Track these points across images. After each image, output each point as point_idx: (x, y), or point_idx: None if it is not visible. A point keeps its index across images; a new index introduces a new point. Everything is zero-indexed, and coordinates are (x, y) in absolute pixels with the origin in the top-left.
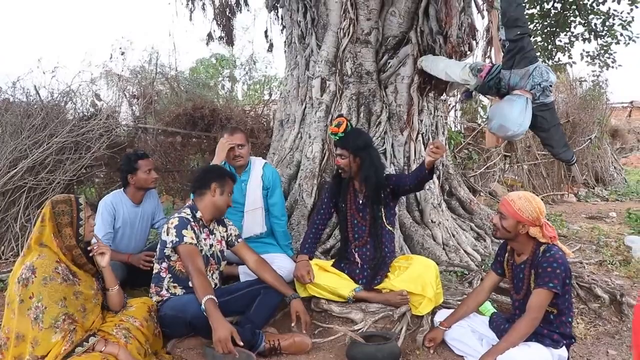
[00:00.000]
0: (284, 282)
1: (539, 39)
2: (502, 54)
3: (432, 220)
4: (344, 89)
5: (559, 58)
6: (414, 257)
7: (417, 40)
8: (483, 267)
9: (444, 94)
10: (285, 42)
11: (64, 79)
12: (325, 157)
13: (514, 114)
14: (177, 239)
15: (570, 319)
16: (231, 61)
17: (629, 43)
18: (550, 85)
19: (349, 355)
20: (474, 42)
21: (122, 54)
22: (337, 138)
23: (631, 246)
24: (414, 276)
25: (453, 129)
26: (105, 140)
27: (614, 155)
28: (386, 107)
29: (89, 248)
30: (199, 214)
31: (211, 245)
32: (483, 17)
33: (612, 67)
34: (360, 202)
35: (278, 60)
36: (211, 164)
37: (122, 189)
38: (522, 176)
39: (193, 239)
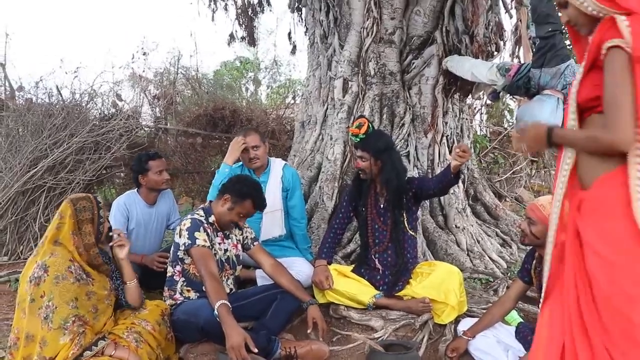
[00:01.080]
0: (301, 287)
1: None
2: (531, 52)
3: (456, 226)
4: (367, 90)
5: None
6: (437, 264)
7: (443, 40)
8: (509, 274)
9: (470, 95)
10: (308, 42)
11: (86, 79)
12: (347, 160)
13: (545, 115)
14: (190, 242)
15: None
16: (255, 64)
17: None
18: None
19: None
20: (501, 42)
21: (144, 54)
22: (358, 140)
23: None
24: (436, 283)
25: (478, 133)
26: (125, 141)
27: None
28: (410, 109)
29: (110, 244)
30: (212, 218)
31: (226, 250)
32: (511, 16)
33: None
34: (382, 206)
35: (302, 63)
36: (222, 163)
37: (135, 190)
38: (549, 181)
39: (206, 241)
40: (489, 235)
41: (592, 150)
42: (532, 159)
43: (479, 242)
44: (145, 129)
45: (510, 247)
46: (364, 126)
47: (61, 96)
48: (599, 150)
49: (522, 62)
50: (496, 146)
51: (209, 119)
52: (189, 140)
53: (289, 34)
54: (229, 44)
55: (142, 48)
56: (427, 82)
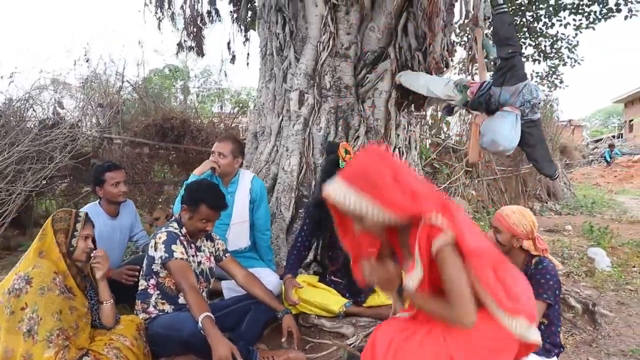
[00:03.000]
0: (274, 297)
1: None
2: (486, 71)
3: None
4: (323, 103)
5: None
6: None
7: (396, 55)
8: None
9: (422, 109)
10: (260, 53)
11: (22, 85)
12: (303, 171)
13: (505, 130)
14: (167, 255)
15: (559, 329)
16: (185, 72)
17: (574, 65)
18: (539, 103)
19: None
20: (449, 60)
21: (77, 61)
22: None
23: (594, 258)
24: None
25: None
26: (70, 150)
27: (563, 171)
28: (364, 121)
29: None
30: (183, 230)
31: (199, 263)
32: (459, 35)
33: (560, 87)
34: None
35: (235, 73)
36: (191, 173)
37: (98, 202)
38: (481, 191)
39: (183, 254)
40: None
41: (440, 318)
42: (467, 169)
43: None
44: (90, 138)
45: None
46: (350, 150)
47: None
48: (448, 322)
49: (479, 79)
50: (435, 157)
51: (158, 129)
52: (135, 150)
53: (228, 43)
54: (177, 54)
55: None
56: (381, 95)
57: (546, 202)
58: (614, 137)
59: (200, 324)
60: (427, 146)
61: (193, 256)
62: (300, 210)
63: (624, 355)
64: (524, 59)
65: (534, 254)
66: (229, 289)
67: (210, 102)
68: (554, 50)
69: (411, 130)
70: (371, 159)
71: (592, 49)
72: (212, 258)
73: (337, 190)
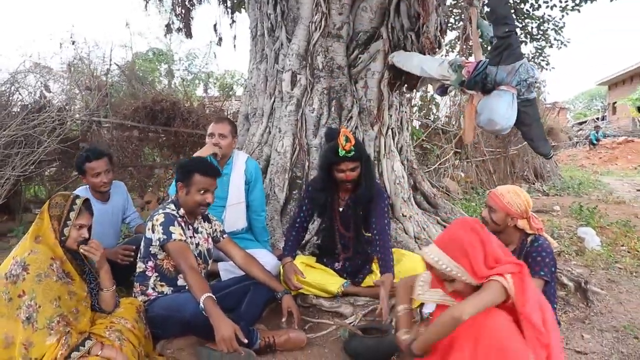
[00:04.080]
0: (273, 278)
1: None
2: (481, 50)
3: (403, 214)
4: (315, 83)
5: None
6: (401, 252)
7: (388, 35)
8: None
9: (414, 89)
10: (250, 34)
11: (7, 68)
12: (296, 152)
13: (502, 109)
14: (165, 237)
15: (554, 306)
16: (169, 56)
17: (561, 47)
18: (535, 82)
19: (348, 349)
20: (442, 40)
21: (62, 44)
22: (350, 154)
23: (584, 237)
24: (404, 270)
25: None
26: (59, 134)
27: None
28: (357, 102)
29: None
30: (181, 211)
31: (197, 244)
32: (450, 16)
33: (547, 69)
34: (341, 210)
35: (220, 56)
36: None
37: (87, 185)
38: (470, 172)
39: (182, 235)
40: (431, 223)
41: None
42: (457, 150)
43: (424, 229)
44: (78, 121)
45: None
46: (351, 137)
47: None
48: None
49: (474, 59)
50: (424, 138)
51: (148, 112)
52: (125, 133)
53: (215, 25)
54: (165, 35)
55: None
56: (373, 76)
57: (533, 184)
58: (597, 119)
59: (202, 304)
60: (417, 127)
61: (191, 237)
62: (294, 192)
63: (617, 331)
64: None
65: (529, 232)
66: (226, 271)
67: (195, 85)
68: (540, 32)
69: (403, 111)
70: (465, 231)
71: (577, 31)
72: (210, 239)
73: (432, 253)
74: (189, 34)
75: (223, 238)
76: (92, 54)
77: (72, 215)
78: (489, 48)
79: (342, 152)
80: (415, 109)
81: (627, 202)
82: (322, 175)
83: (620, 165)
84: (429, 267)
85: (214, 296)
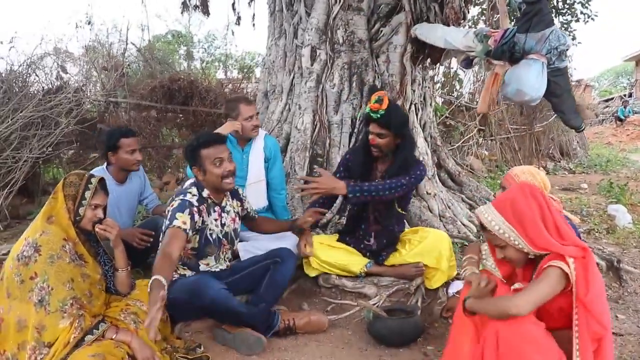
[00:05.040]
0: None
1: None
2: (508, 19)
3: (427, 192)
4: (335, 58)
5: None
6: (425, 230)
7: (410, 7)
8: (481, 237)
9: (438, 63)
10: (268, 10)
11: (23, 50)
12: (317, 129)
13: (531, 79)
14: (168, 222)
15: None
16: (188, 37)
17: (587, 21)
18: (567, 49)
19: (372, 331)
20: (467, 11)
21: (79, 25)
22: (378, 116)
23: (615, 214)
24: (428, 249)
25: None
26: (76, 115)
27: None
28: (378, 77)
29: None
30: (205, 192)
31: (223, 225)
32: None
33: (573, 44)
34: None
35: (239, 37)
36: None
37: (104, 166)
38: (495, 150)
39: (185, 223)
40: (456, 201)
41: (490, 311)
42: (481, 127)
43: (449, 207)
44: (95, 102)
45: None
46: (385, 100)
47: None
48: (495, 314)
49: (500, 28)
50: (448, 115)
51: (165, 91)
52: (142, 113)
53: (233, 4)
54: (182, 13)
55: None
56: (396, 50)
57: (559, 161)
58: (624, 96)
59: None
60: (440, 104)
61: (216, 219)
62: (315, 169)
63: None
64: None
65: None
66: (246, 251)
67: (215, 68)
68: (567, 5)
69: (426, 87)
70: (523, 195)
71: (604, 4)
72: (238, 219)
73: (487, 213)
74: (206, 12)
75: (257, 216)
76: (111, 36)
77: (88, 194)
78: (518, 15)
79: (368, 109)
80: (437, 85)
81: None
82: (363, 138)
83: None
84: (483, 228)
85: (163, 280)
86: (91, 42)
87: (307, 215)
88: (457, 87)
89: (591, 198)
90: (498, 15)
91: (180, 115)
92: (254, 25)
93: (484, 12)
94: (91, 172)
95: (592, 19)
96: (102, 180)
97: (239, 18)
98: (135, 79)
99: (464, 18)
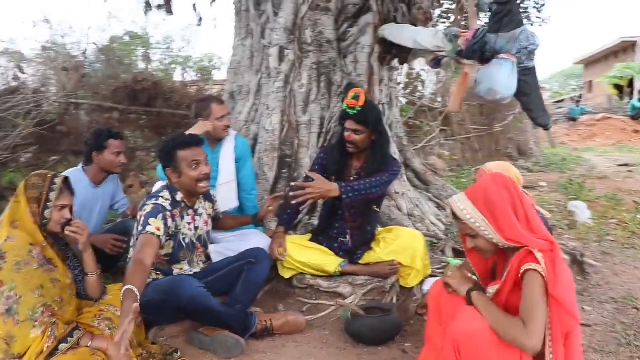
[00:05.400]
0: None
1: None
2: (477, 19)
3: (395, 191)
4: (304, 58)
5: None
6: (400, 229)
7: (378, 8)
8: (449, 235)
9: (406, 63)
10: (234, 10)
11: None
12: (285, 129)
13: (503, 78)
14: (141, 228)
15: None
16: (145, 39)
17: (541, 25)
18: (536, 49)
19: (351, 330)
20: (432, 12)
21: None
22: (355, 112)
23: (575, 211)
24: (403, 247)
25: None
26: (35, 117)
27: (532, 130)
28: (346, 77)
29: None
30: (179, 196)
31: (197, 228)
32: None
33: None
34: (352, 179)
35: (198, 39)
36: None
37: (81, 166)
38: (455, 149)
39: (159, 230)
40: (424, 200)
41: (496, 330)
42: (443, 128)
43: (417, 206)
44: (55, 104)
45: (445, 209)
46: (361, 97)
47: None
48: (503, 337)
49: (470, 28)
50: (411, 116)
51: (129, 92)
52: (104, 115)
53: (194, 5)
54: (145, 13)
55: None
56: (363, 50)
57: (517, 161)
58: (574, 97)
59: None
60: (404, 104)
61: (189, 223)
62: (284, 171)
63: (616, 302)
64: None
65: None
66: (217, 253)
67: (171, 70)
68: (521, 10)
69: (392, 87)
70: (495, 185)
71: (554, 9)
72: (210, 221)
73: (459, 202)
74: (169, 11)
75: (221, 216)
76: (67, 38)
77: (53, 195)
78: (488, 16)
79: (344, 106)
80: (400, 86)
81: (609, 177)
82: (338, 134)
83: (599, 141)
84: (455, 217)
85: (136, 291)
86: (48, 42)
87: (267, 204)
88: (420, 88)
89: (551, 195)
90: (466, 15)
91: (144, 116)
92: (215, 26)
93: (448, 12)
94: (65, 172)
95: (545, 22)
96: (66, 180)
97: (200, 19)
98: (97, 79)
99: (431, 19)
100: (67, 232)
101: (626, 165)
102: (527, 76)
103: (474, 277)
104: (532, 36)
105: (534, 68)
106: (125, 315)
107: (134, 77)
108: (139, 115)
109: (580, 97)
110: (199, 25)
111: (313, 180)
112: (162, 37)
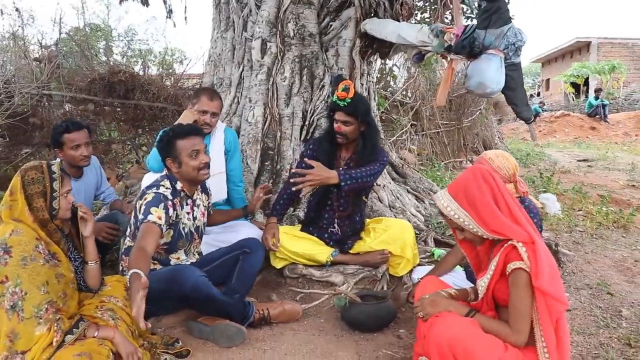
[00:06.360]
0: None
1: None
2: (462, 16)
3: (377, 184)
4: (286, 51)
5: None
6: (389, 219)
7: (360, 2)
8: (430, 226)
9: (387, 57)
10: (213, 2)
11: None
12: (268, 122)
13: (492, 73)
14: (143, 217)
15: None
16: (107, 32)
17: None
18: (523, 45)
19: (347, 317)
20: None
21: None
22: (345, 104)
23: (545, 203)
24: (394, 237)
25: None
26: (6, 109)
27: (496, 125)
28: (328, 71)
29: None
30: (179, 185)
31: (195, 218)
32: None
33: None
34: (341, 170)
35: (160, 32)
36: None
37: (59, 160)
38: (425, 144)
39: (160, 219)
40: (403, 192)
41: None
42: (413, 122)
43: (397, 198)
44: (27, 95)
45: (423, 202)
46: (351, 89)
47: None
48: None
49: (455, 24)
50: (384, 110)
51: (105, 84)
52: (79, 107)
53: None
54: (120, 3)
55: None
56: (345, 44)
57: None
58: (533, 95)
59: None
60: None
61: (189, 213)
62: (267, 163)
63: (591, 288)
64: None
65: (515, 195)
66: (207, 244)
67: (134, 63)
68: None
69: (370, 81)
70: (475, 179)
71: (513, 8)
72: (206, 213)
73: (442, 199)
74: (145, 2)
75: (212, 211)
76: (24, 27)
77: (56, 185)
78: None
79: (335, 98)
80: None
81: (572, 171)
82: (327, 126)
83: (559, 137)
84: (441, 214)
85: (142, 273)
86: (7, 32)
87: (256, 195)
88: (392, 83)
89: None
90: (449, 11)
91: (119, 109)
92: (185, 18)
93: (429, 8)
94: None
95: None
96: (60, 168)
97: (170, 11)
98: (71, 70)
99: (412, 14)
100: (80, 214)
101: (585, 160)
102: (513, 71)
103: (443, 292)
104: (519, 33)
105: (519, 64)
106: (136, 291)
107: (110, 69)
108: (114, 108)
109: (538, 94)
110: (169, 17)
111: (312, 167)
112: (124, 30)
